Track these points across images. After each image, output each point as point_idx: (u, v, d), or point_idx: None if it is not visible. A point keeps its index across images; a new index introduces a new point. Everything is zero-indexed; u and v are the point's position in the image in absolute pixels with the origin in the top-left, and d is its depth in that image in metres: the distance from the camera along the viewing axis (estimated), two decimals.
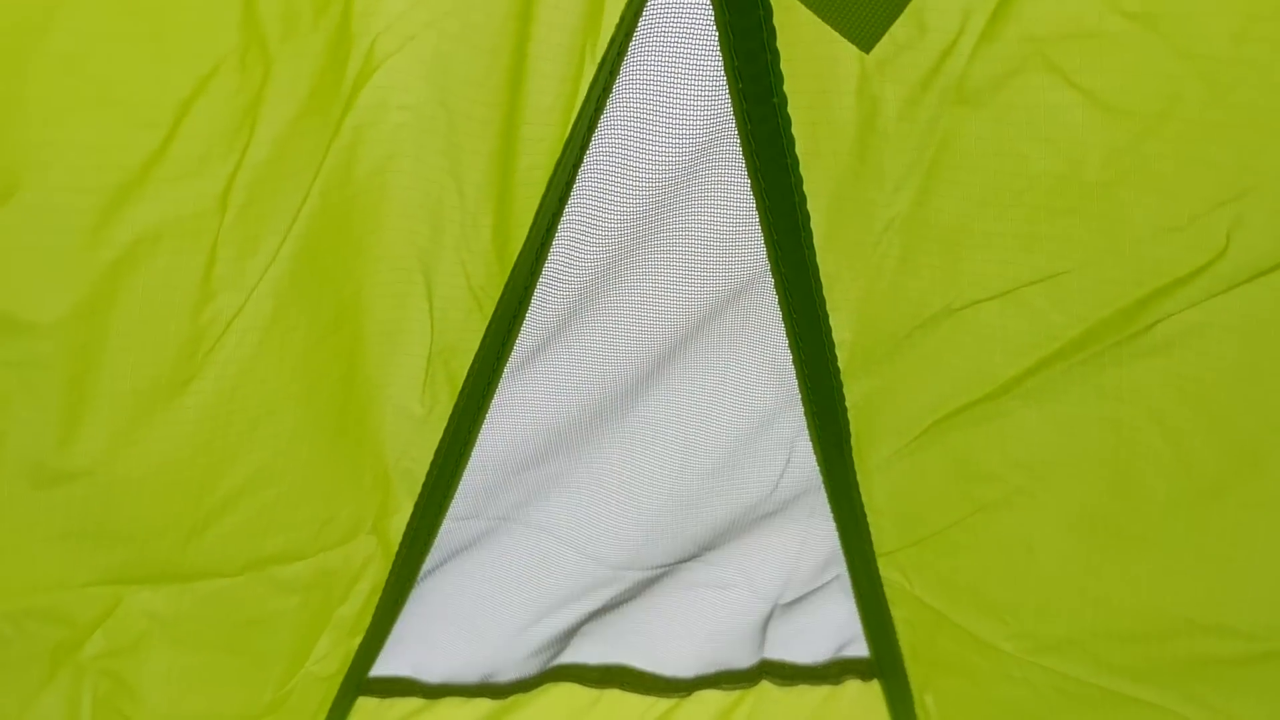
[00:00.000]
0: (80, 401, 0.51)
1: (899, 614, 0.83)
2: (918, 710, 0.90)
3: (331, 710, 0.87)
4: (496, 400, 0.69)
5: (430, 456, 0.70)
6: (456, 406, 0.67)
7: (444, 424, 0.68)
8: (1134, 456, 0.59)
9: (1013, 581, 0.70)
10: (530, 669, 0.86)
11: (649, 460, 0.75)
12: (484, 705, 0.89)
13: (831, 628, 0.85)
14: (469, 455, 0.71)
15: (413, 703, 0.89)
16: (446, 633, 0.84)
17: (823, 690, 0.90)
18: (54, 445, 0.52)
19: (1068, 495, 0.63)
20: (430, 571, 0.80)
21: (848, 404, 0.70)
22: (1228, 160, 0.49)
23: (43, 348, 0.49)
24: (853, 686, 0.90)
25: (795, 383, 0.70)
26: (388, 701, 0.89)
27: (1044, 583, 0.68)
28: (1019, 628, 0.72)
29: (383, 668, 0.87)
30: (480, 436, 0.71)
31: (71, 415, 0.51)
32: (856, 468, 0.73)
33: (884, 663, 0.88)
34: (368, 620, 0.80)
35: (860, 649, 0.88)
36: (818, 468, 0.75)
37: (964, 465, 0.67)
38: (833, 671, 0.88)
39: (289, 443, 0.60)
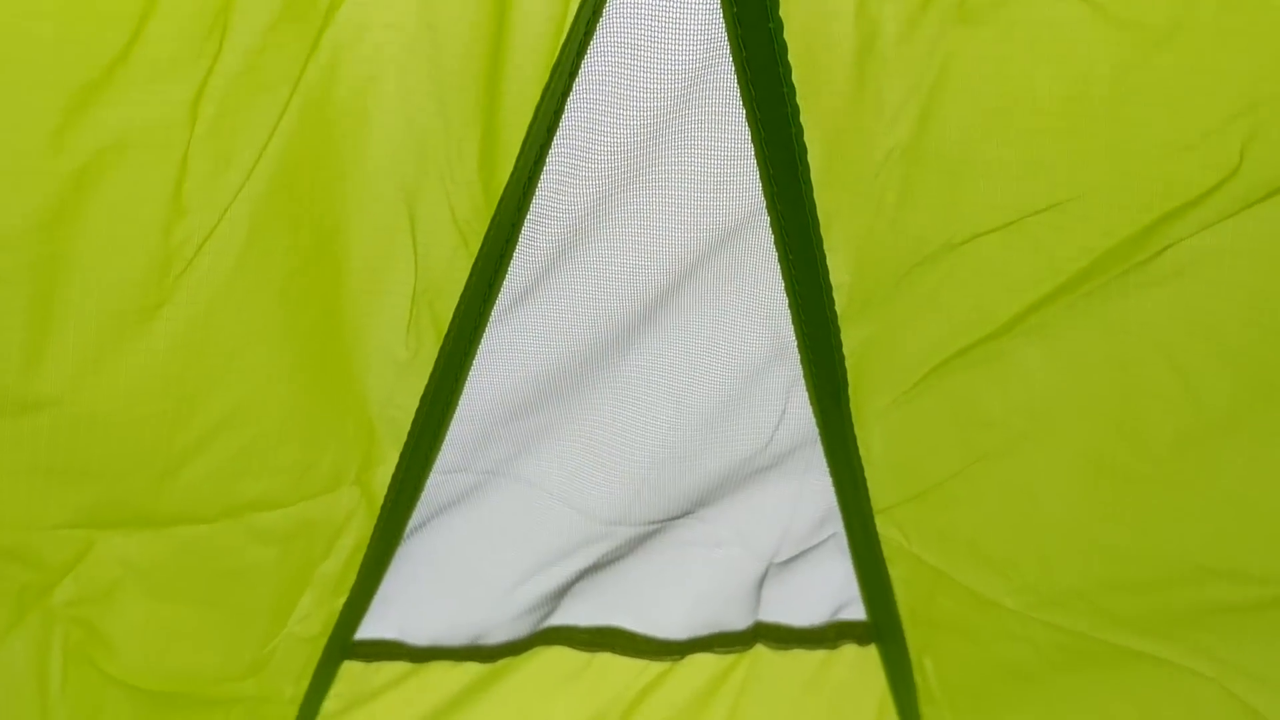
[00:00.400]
0: (46, 322, 0.49)
1: (897, 573, 0.81)
2: (916, 675, 0.88)
3: (316, 674, 0.85)
4: (484, 346, 0.67)
5: (415, 404, 0.68)
6: (442, 350, 0.65)
7: (429, 369, 0.66)
8: (1141, 394, 0.57)
9: (1014, 534, 0.68)
10: (520, 630, 0.84)
11: (640, 412, 0.73)
12: (472, 669, 0.87)
13: (828, 589, 0.83)
14: (456, 403, 0.69)
15: (399, 667, 0.87)
16: (433, 593, 0.82)
17: (819, 655, 0.88)
18: (19, 370, 0.50)
19: (1072, 439, 0.61)
20: (417, 528, 0.78)
21: (845, 351, 0.68)
22: (1242, 70, 0.47)
23: (4, 261, 0.47)
24: (849, 651, 0.88)
25: (791, 329, 0.68)
26: (374, 665, 0.86)
27: (1047, 533, 0.66)
28: (1021, 582, 0.70)
29: (368, 630, 0.85)
30: (467, 385, 0.69)
31: (37, 338, 0.49)
32: (854, 419, 0.71)
33: (882, 626, 0.86)
34: (351, 579, 0.78)
35: (857, 612, 0.86)
36: (814, 419, 0.73)
37: (964, 411, 0.65)
38: (829, 635, 0.86)
39: (266, 380, 0.58)
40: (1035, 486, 0.64)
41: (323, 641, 0.82)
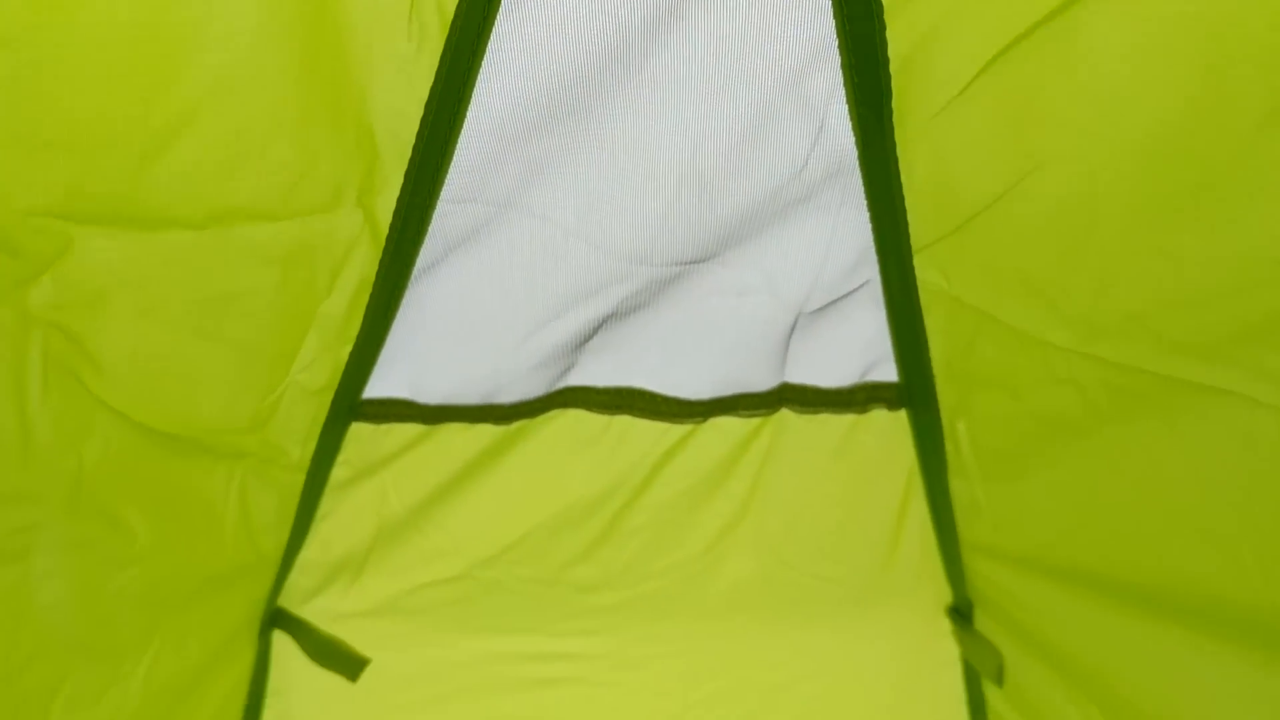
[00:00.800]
0: None
1: (933, 323, 0.76)
2: (947, 443, 0.85)
3: (322, 435, 0.81)
4: (492, 45, 0.61)
5: (419, 112, 0.62)
6: (448, 44, 0.59)
7: (434, 67, 0.60)
8: (1229, 60, 0.50)
9: (1069, 254, 0.63)
10: (535, 389, 0.80)
11: (662, 130, 0.67)
12: (486, 433, 0.84)
13: (859, 345, 0.79)
14: (463, 115, 0.64)
15: (411, 429, 0.84)
16: (444, 345, 0.77)
17: (847, 419, 0.84)
18: None
19: (1143, 127, 0.55)
20: (425, 270, 0.73)
21: (890, 53, 0.61)
22: None
23: None
24: (879, 417, 0.85)
25: (832, 26, 0.62)
26: (384, 427, 0.83)
27: (1106, 249, 0.61)
28: (1072, 311, 0.65)
29: (376, 388, 0.81)
30: (474, 96, 0.63)
31: None
32: (896, 136, 0.65)
33: (913, 387, 0.82)
34: (357, 322, 0.74)
35: (888, 372, 0.82)
36: (852, 140, 0.67)
37: (1022, 111, 0.59)
38: (858, 398, 0.82)
39: (250, 52, 0.52)
40: (1097, 193, 0.59)
41: (329, 396, 0.79)
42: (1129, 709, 0.79)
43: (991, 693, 1.00)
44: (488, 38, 0.60)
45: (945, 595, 1.01)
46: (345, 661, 0.96)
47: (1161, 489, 0.70)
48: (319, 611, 0.97)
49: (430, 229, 0.69)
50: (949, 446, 0.85)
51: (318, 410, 0.79)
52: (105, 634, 0.70)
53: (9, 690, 0.62)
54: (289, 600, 0.97)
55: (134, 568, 0.69)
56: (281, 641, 0.99)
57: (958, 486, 0.89)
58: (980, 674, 0.99)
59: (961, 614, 1.00)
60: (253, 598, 0.91)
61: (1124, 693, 0.79)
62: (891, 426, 0.85)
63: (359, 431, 0.83)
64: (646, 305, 0.75)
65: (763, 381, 0.80)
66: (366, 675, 0.97)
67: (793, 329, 0.76)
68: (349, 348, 0.75)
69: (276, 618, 0.97)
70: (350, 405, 0.80)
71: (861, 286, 0.74)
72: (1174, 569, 0.71)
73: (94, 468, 0.62)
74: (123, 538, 0.67)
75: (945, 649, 1.02)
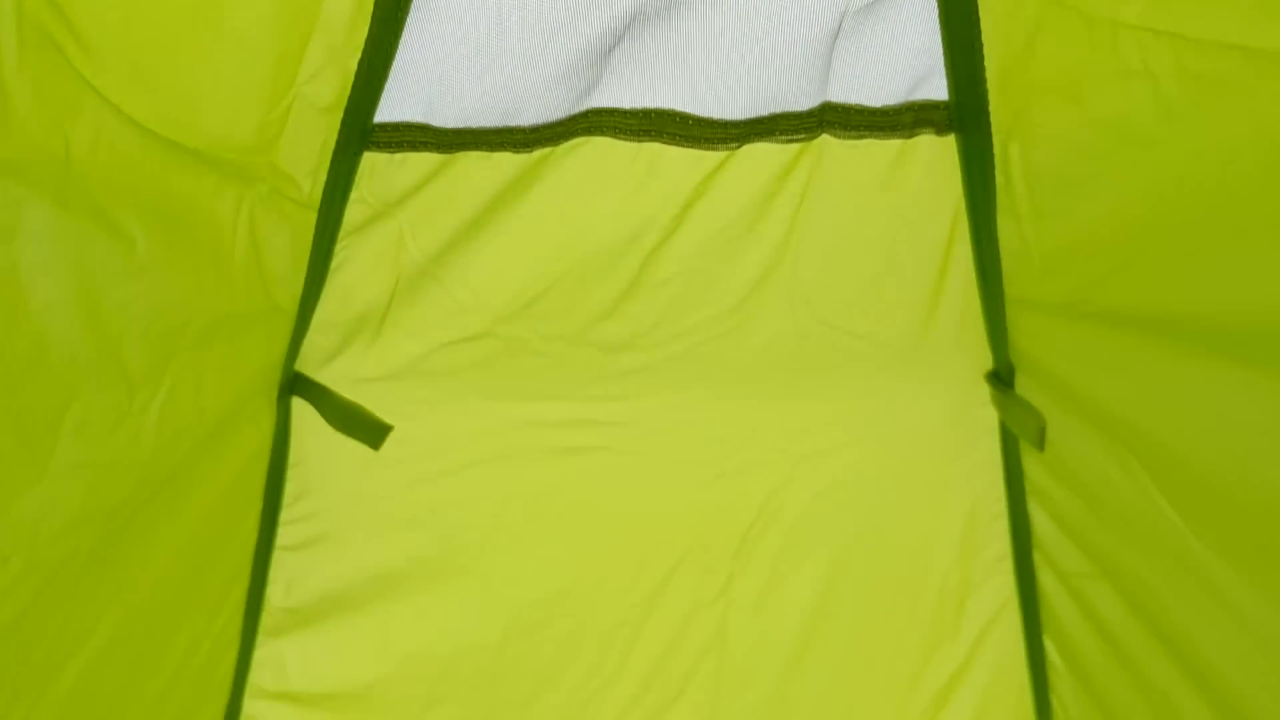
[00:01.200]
0: None
1: (990, 23, 0.70)
2: (998, 173, 0.79)
3: (334, 163, 0.77)
4: None
5: None
6: None
7: None
8: None
9: None
10: (558, 107, 0.74)
11: None
12: (507, 163, 0.79)
13: (907, 53, 0.72)
14: None
15: (427, 160, 0.79)
16: (458, 56, 0.72)
17: (892, 146, 0.79)
18: None
19: None
20: None
21: None
22: None
23: None
24: (926, 143, 0.79)
25: None
26: (399, 158, 0.78)
27: None
28: None
29: (389, 112, 0.76)
30: None
31: None
32: None
33: (965, 105, 0.75)
34: (364, 27, 0.68)
35: (938, 89, 0.76)
36: None
37: None
38: (905, 120, 0.76)
39: None
40: None
41: (338, 117, 0.73)
42: (1174, 462, 0.75)
43: (1029, 460, 0.97)
44: None
45: (985, 360, 0.97)
46: (367, 428, 0.94)
47: (1235, 199, 0.65)
48: (338, 376, 0.94)
49: None
50: (999, 179, 0.79)
51: (327, 135, 0.74)
52: (113, 357, 0.66)
53: (9, 396, 0.59)
54: (307, 365, 0.95)
55: (136, 282, 0.65)
56: (300, 411, 0.96)
57: (1006, 228, 0.84)
58: (1019, 439, 0.96)
59: (1001, 379, 0.96)
60: (269, 353, 0.88)
61: (1170, 444, 0.76)
62: (939, 156, 0.79)
63: (372, 163, 0.78)
64: (678, 3, 0.68)
65: (803, 99, 0.74)
66: (389, 443, 0.95)
67: (837, 33, 0.70)
68: (357, 57, 0.69)
69: (295, 383, 0.94)
70: (362, 130, 0.75)
71: None
72: (1242, 296, 0.66)
73: (84, 158, 0.58)
74: (121, 244, 0.63)
75: (983, 417, 0.99)
